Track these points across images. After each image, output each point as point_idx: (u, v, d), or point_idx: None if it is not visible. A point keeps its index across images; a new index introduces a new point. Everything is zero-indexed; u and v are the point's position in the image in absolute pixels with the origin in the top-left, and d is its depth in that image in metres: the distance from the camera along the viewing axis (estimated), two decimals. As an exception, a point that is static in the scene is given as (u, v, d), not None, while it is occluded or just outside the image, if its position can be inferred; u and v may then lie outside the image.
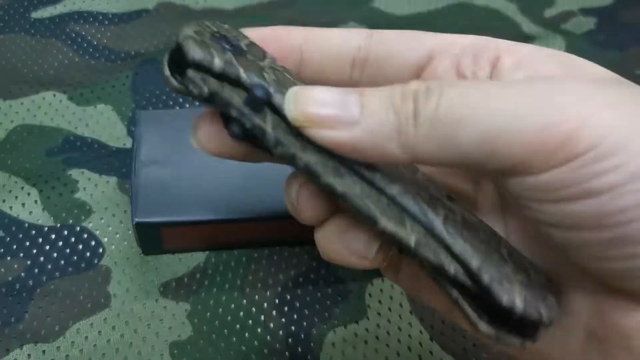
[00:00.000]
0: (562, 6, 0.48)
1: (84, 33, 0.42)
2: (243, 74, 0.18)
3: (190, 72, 0.18)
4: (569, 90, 0.16)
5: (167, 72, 0.18)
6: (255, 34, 0.21)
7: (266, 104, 0.18)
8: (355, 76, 0.21)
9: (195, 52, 0.17)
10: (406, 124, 0.16)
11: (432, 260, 0.17)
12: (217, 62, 0.17)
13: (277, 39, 0.21)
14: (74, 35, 0.42)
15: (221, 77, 0.18)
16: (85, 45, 0.42)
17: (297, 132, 0.17)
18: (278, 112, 0.18)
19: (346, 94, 0.17)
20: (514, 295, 0.17)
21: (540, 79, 0.18)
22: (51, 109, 0.38)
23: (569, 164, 0.15)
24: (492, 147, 0.16)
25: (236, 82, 0.18)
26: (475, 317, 0.17)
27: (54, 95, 0.39)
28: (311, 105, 0.17)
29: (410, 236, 0.17)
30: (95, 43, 0.42)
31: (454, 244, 0.17)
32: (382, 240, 0.19)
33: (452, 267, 0.17)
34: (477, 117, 0.16)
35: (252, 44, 0.20)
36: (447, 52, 0.20)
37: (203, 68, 0.17)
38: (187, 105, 0.39)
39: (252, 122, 0.18)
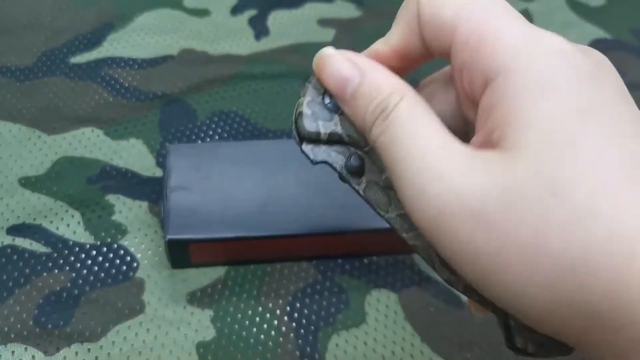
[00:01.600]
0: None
1: (116, 76, 0.48)
2: (345, 137, 0.22)
3: (304, 146, 0.23)
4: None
5: (302, 147, 0.23)
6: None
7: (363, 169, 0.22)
8: None
9: (304, 129, 0.22)
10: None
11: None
12: (323, 134, 0.22)
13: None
14: (107, 77, 0.48)
15: (329, 142, 0.22)
16: (118, 86, 0.47)
17: (387, 191, 0.22)
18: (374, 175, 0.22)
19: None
20: None
21: None
22: (90, 143, 0.43)
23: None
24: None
25: (341, 142, 0.22)
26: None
27: (92, 130, 0.44)
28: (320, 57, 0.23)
29: None
30: (126, 85, 0.47)
31: None
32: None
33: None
34: None
35: None
36: None
37: (314, 140, 0.22)
38: (208, 140, 0.45)
39: (351, 185, 0.23)
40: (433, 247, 0.20)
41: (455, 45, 0.20)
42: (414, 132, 0.19)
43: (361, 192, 0.22)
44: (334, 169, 0.23)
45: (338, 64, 0.22)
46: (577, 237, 0.16)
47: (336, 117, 0.22)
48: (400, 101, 0.20)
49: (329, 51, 0.22)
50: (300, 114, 0.22)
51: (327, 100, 0.23)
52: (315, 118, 0.22)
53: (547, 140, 0.17)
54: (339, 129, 0.22)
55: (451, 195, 0.18)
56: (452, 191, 0.18)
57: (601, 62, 0.19)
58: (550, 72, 0.18)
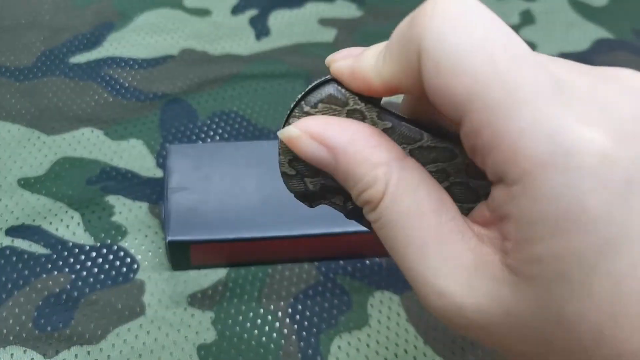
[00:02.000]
0: (543, 51, 0.54)
1: (116, 76, 0.48)
2: (337, 186, 0.20)
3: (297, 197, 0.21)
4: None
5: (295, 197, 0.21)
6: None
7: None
8: None
9: (292, 190, 0.21)
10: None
11: None
12: (312, 189, 0.21)
13: None
14: (107, 77, 0.47)
15: (322, 190, 0.21)
16: (118, 86, 0.47)
17: None
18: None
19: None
20: None
21: None
22: (89, 143, 0.43)
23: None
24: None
25: (336, 187, 0.21)
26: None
27: (92, 131, 0.44)
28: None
29: None
30: (126, 85, 0.47)
31: None
32: None
33: None
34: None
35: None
36: None
37: (305, 195, 0.21)
38: (209, 140, 0.44)
39: (361, 223, 0.21)
40: None
41: (464, 128, 0.16)
42: (408, 231, 0.17)
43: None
44: (337, 209, 0.21)
45: (305, 147, 0.19)
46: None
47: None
48: (386, 190, 0.18)
49: (292, 132, 0.19)
50: (284, 174, 0.21)
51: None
52: (301, 177, 0.21)
53: (558, 278, 0.15)
54: (329, 182, 0.20)
55: (455, 309, 0.17)
56: (456, 306, 0.17)
57: None
58: (574, 201, 0.14)
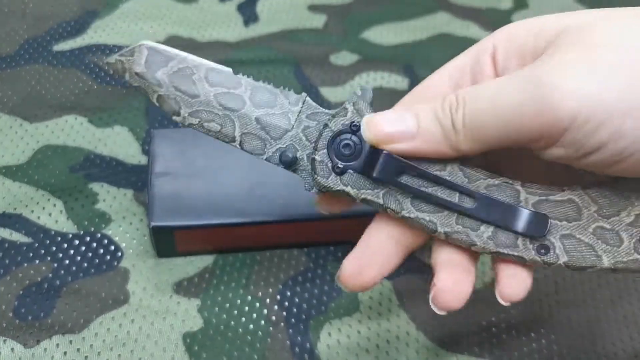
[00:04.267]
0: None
1: (101, 63, 0.47)
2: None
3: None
4: (546, 71, 0.20)
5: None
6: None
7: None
8: None
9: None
10: (449, 132, 0.22)
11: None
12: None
13: None
14: (92, 65, 0.46)
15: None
16: (103, 74, 0.46)
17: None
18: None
19: (403, 114, 0.23)
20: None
21: (524, 69, 0.22)
22: (73, 131, 0.42)
23: (562, 139, 0.20)
24: (509, 135, 0.21)
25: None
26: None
27: (75, 118, 0.43)
28: (379, 127, 0.23)
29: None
30: (111, 72, 0.46)
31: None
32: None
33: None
34: (492, 119, 0.21)
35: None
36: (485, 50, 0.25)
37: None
38: (195, 127, 0.43)
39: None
40: None
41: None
42: (492, 85, 0.22)
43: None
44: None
45: (386, 122, 0.23)
46: None
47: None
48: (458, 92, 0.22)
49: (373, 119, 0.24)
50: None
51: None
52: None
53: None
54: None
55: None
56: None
57: None
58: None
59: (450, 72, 0.26)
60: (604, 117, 0.20)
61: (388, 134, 0.23)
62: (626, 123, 0.20)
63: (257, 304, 0.35)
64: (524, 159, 0.25)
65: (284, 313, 0.34)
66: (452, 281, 0.24)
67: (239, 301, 0.35)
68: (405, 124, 0.23)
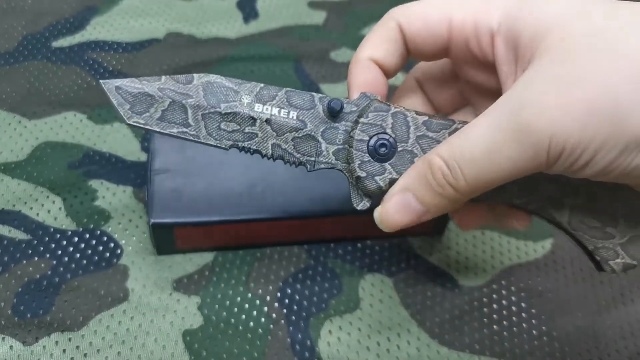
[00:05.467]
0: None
1: (100, 60, 0.46)
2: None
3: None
4: (534, 115, 0.21)
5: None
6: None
7: None
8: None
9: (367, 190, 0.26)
10: (453, 198, 0.24)
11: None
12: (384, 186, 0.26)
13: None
14: (91, 61, 0.46)
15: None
16: (102, 70, 0.46)
17: None
18: None
19: (407, 200, 0.25)
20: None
21: (500, 102, 0.23)
22: (72, 128, 0.42)
23: (555, 167, 0.22)
24: (509, 179, 0.23)
25: None
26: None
27: (75, 115, 0.42)
28: (394, 224, 0.25)
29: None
30: (110, 69, 0.46)
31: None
32: None
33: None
34: (492, 175, 0.22)
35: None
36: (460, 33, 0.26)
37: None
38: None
39: None
40: None
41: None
42: (480, 141, 0.23)
43: None
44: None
45: (398, 215, 0.25)
46: None
47: (387, 165, 0.26)
48: (439, 156, 0.24)
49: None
50: (359, 178, 0.26)
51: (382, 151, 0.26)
52: (372, 175, 0.26)
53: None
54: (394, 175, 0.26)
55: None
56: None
57: None
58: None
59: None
60: (584, 146, 0.21)
61: (403, 225, 0.25)
62: (603, 150, 0.21)
63: (257, 302, 0.34)
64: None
65: (284, 310, 0.34)
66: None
67: (239, 298, 0.34)
68: (415, 212, 0.25)
